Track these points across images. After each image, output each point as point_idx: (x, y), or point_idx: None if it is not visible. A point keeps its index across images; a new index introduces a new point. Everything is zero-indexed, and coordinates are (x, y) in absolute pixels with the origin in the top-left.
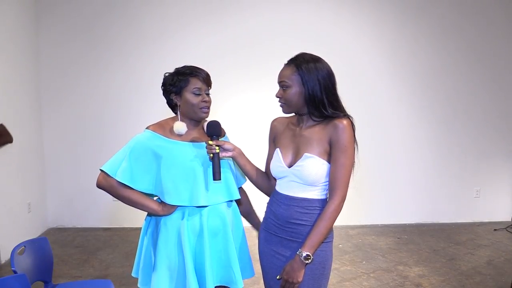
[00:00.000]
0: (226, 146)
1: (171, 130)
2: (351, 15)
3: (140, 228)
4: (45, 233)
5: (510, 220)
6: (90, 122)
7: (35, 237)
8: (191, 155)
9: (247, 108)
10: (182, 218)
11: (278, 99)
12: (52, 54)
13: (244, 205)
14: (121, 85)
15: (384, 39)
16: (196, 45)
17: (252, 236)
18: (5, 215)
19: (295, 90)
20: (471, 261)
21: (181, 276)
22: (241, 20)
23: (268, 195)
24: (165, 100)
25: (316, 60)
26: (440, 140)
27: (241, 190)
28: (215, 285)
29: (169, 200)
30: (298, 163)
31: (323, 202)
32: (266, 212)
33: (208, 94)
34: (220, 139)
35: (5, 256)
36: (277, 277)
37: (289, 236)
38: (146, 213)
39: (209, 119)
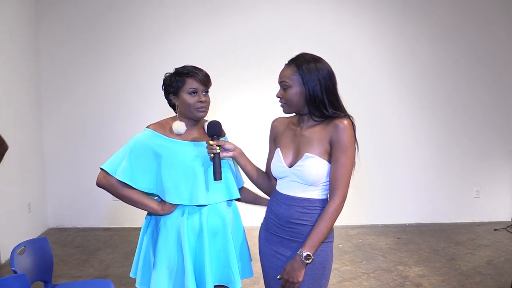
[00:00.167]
0: (227, 146)
1: (171, 130)
2: (351, 15)
3: (140, 228)
4: (45, 233)
5: (510, 220)
6: (90, 122)
7: (35, 237)
8: (191, 154)
9: (247, 108)
10: (182, 217)
11: (278, 99)
12: (52, 54)
13: (247, 193)
14: (121, 85)
15: (384, 39)
16: (196, 45)
17: (252, 236)
18: (5, 215)
19: (295, 90)
20: (471, 261)
21: (180, 275)
22: (241, 20)
23: (269, 195)
24: (166, 100)
25: (316, 60)
26: (440, 140)
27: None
28: (214, 284)
29: (169, 199)
30: (298, 163)
31: (324, 202)
32: (266, 212)
33: (206, 93)
34: (220, 139)
35: (5, 256)
36: (278, 277)
37: (290, 236)
38: (146, 212)
39: (209, 119)
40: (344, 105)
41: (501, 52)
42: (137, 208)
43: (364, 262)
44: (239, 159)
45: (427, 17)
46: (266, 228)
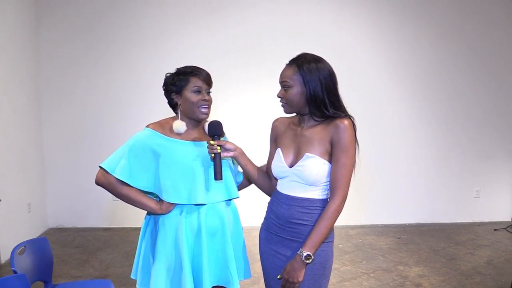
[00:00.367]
0: (228, 146)
1: (171, 129)
2: (351, 15)
3: (140, 228)
4: (45, 233)
5: (510, 220)
6: (90, 122)
7: (35, 237)
8: (190, 154)
9: (247, 108)
10: (180, 216)
11: (279, 99)
12: (52, 54)
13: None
14: (121, 85)
15: (384, 39)
16: (196, 45)
17: (252, 236)
18: (5, 215)
19: (296, 90)
20: (471, 261)
21: (179, 275)
22: (241, 20)
23: (269, 195)
24: (166, 100)
25: (317, 60)
26: (440, 140)
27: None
28: (212, 285)
29: (167, 198)
30: (299, 163)
31: (324, 202)
32: (267, 211)
33: (209, 93)
34: (220, 139)
35: (5, 256)
36: (278, 277)
37: (290, 235)
38: (146, 212)
39: (209, 119)
40: (345, 105)
41: (501, 52)
42: (137, 208)
43: (364, 262)
44: (240, 159)
45: (427, 17)
46: (267, 228)
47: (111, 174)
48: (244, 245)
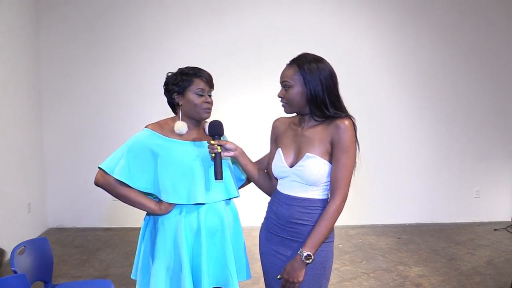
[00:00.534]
0: (228, 145)
1: (170, 130)
2: (351, 15)
3: (140, 228)
4: (45, 233)
5: (510, 220)
6: (90, 122)
7: (35, 237)
8: (189, 154)
9: (248, 108)
10: (180, 216)
11: (280, 99)
12: (52, 54)
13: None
14: (121, 85)
15: (384, 40)
16: (196, 46)
17: (252, 236)
18: (5, 215)
19: (297, 90)
20: (471, 261)
21: (178, 275)
22: (241, 21)
23: (269, 195)
24: (166, 100)
25: (318, 60)
26: (440, 140)
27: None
28: (211, 287)
29: (167, 198)
30: (299, 163)
31: (325, 202)
32: (267, 211)
33: (210, 96)
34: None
35: (5, 256)
36: (278, 277)
37: (290, 235)
38: (145, 213)
39: (210, 119)
40: (345, 105)
41: (500, 52)
42: (137, 208)
43: (364, 262)
44: (240, 158)
45: (426, 18)
46: (267, 228)
47: (110, 175)
48: (244, 245)
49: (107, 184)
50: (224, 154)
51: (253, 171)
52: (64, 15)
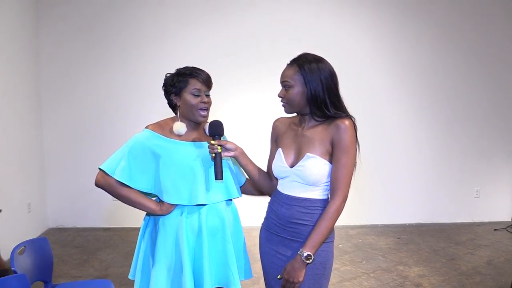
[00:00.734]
0: (228, 145)
1: (171, 130)
2: (351, 15)
3: (140, 228)
4: (45, 233)
5: (510, 220)
6: (90, 122)
7: (35, 237)
8: (190, 154)
9: (248, 108)
10: (181, 217)
11: (280, 98)
12: (52, 54)
13: (248, 185)
14: (121, 85)
15: (384, 40)
16: (196, 46)
17: (252, 236)
18: (5, 215)
19: (297, 90)
20: (471, 261)
21: (179, 276)
22: (241, 21)
23: (270, 195)
24: (166, 101)
25: (318, 60)
26: (440, 140)
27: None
28: (214, 287)
29: (168, 199)
30: (300, 163)
31: (325, 202)
32: (267, 211)
33: (208, 95)
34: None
35: (5, 256)
36: (278, 277)
37: (290, 235)
38: (145, 213)
39: (210, 119)
40: (345, 105)
41: (501, 52)
42: (137, 209)
43: (364, 262)
44: (240, 158)
45: (427, 18)
46: (267, 228)
47: (110, 176)
48: (245, 245)
49: (108, 185)
50: (224, 154)
51: (253, 172)
52: (64, 15)
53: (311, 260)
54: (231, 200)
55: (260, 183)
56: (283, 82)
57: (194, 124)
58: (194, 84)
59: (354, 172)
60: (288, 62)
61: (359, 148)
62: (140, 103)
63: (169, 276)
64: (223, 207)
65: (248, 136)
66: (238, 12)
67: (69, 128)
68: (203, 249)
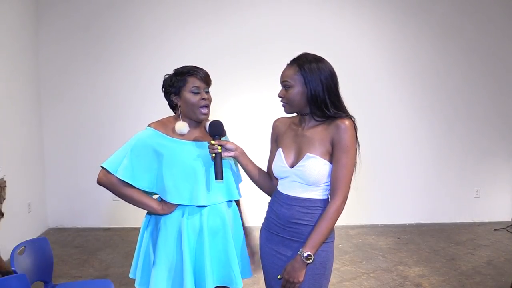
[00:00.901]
0: (228, 145)
1: (173, 129)
2: (351, 15)
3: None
4: (45, 233)
5: (510, 220)
6: (90, 122)
7: (35, 237)
8: (192, 154)
9: (248, 108)
10: (182, 217)
11: (280, 98)
12: (52, 52)
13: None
14: (120, 84)
15: (385, 39)
16: (196, 45)
17: (252, 236)
18: (5, 215)
19: (297, 90)
20: (471, 261)
21: (180, 276)
22: (241, 20)
23: (270, 195)
24: (167, 102)
25: (318, 60)
26: (440, 140)
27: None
28: (215, 286)
29: (169, 198)
30: (300, 163)
31: (325, 202)
32: (267, 211)
33: (207, 92)
34: (221, 139)
35: (5, 256)
36: (278, 277)
37: (291, 236)
38: (146, 212)
39: (210, 119)
40: (345, 105)
41: (502, 52)
42: (137, 208)
43: (364, 262)
44: (241, 159)
45: (427, 17)
46: (267, 228)
47: (113, 174)
48: (244, 244)
49: (110, 183)
50: (224, 154)
51: (254, 172)
52: (64, 14)
53: (311, 260)
54: (231, 201)
55: (260, 183)
56: (283, 82)
57: (196, 123)
58: (193, 82)
59: (354, 172)
60: (288, 62)
61: (359, 148)
62: (139, 102)
63: (169, 275)
64: (224, 207)
65: (248, 136)
66: (238, 12)
67: (69, 128)
68: (204, 248)
